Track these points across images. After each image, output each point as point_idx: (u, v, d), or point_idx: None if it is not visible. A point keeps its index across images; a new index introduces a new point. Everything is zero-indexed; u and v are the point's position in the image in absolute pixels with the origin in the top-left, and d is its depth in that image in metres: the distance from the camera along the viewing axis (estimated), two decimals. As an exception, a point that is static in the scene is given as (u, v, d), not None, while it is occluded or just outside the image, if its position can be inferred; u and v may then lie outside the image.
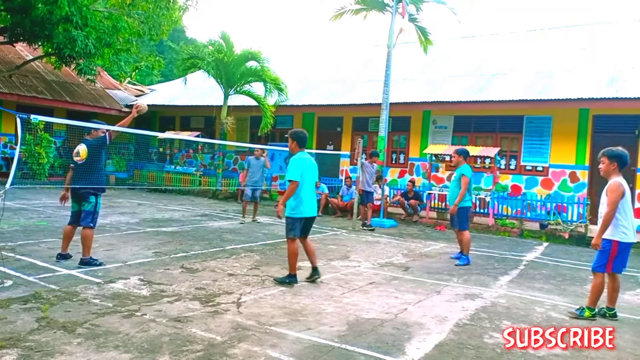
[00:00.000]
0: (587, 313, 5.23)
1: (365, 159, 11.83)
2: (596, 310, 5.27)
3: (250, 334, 4.16)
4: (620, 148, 5.27)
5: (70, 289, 5.12)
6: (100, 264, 6.24)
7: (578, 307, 5.41)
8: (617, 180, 5.13)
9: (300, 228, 5.94)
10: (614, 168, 5.18)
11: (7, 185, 5.59)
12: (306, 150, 6.12)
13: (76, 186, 6.24)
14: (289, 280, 5.89)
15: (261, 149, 11.93)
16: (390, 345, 4.11)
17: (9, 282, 5.22)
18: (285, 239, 6.05)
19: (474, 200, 12.86)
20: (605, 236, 5.14)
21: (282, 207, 5.83)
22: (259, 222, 11.39)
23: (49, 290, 5.03)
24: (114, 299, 4.88)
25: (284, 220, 6.07)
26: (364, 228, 11.32)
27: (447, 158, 13.33)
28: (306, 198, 5.92)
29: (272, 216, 12.58)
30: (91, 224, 6.24)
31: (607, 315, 5.28)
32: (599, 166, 5.33)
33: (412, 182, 13.84)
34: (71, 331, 3.99)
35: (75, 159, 6.41)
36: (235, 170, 17.98)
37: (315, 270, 6.14)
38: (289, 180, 5.79)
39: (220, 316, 4.59)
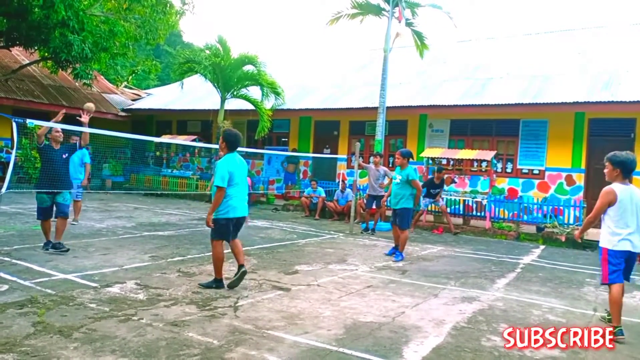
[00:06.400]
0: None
1: (363, 161, 11.82)
2: (622, 328, 4.72)
3: (247, 338, 4.15)
4: (626, 153, 4.95)
5: (67, 294, 5.10)
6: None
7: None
8: (611, 186, 4.88)
9: (230, 230, 5.73)
10: (617, 174, 4.88)
11: (3, 190, 5.59)
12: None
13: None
14: (216, 284, 5.69)
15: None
16: (388, 349, 4.11)
17: (5, 287, 5.20)
18: (211, 241, 5.75)
19: (470, 204, 12.93)
20: (600, 243, 4.96)
21: (211, 217, 5.64)
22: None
23: (45, 295, 5.01)
24: (110, 303, 4.86)
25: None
26: (364, 232, 11.27)
27: (444, 162, 13.35)
28: (236, 198, 5.70)
29: (268, 219, 12.58)
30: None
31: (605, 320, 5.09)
32: (604, 170, 5.05)
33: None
34: (67, 336, 3.98)
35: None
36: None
37: (240, 267, 5.85)
38: (216, 187, 5.59)
39: (217, 320, 4.58)
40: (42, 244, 7.18)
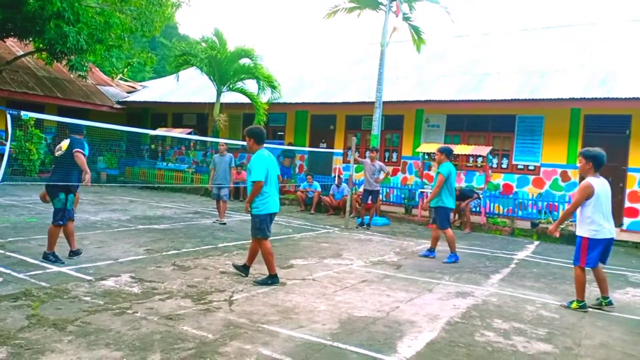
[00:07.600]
0: (574, 304, 5.54)
1: (359, 156, 11.82)
2: (585, 302, 5.53)
3: (242, 332, 4.16)
4: (597, 149, 5.51)
5: (61, 286, 5.09)
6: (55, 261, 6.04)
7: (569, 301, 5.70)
8: (588, 180, 5.41)
9: (269, 225, 5.88)
10: (589, 168, 5.44)
11: (-3, 182, 5.54)
12: (265, 146, 6.02)
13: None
14: (272, 281, 5.76)
15: (225, 143, 11.21)
16: (382, 344, 4.13)
17: (-1, 280, 5.18)
18: (254, 239, 5.86)
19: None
20: (577, 233, 5.50)
21: (248, 205, 5.79)
22: (225, 224, 10.31)
23: (39, 288, 4.99)
24: (105, 297, 4.86)
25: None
26: (360, 227, 11.27)
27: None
28: (272, 195, 5.85)
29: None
30: (60, 222, 6.14)
31: (603, 303, 5.58)
32: (577, 164, 5.56)
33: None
34: (62, 329, 3.97)
35: (57, 153, 6.18)
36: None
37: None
38: (253, 182, 5.66)
39: (212, 314, 4.59)
40: (68, 254, 6.31)
